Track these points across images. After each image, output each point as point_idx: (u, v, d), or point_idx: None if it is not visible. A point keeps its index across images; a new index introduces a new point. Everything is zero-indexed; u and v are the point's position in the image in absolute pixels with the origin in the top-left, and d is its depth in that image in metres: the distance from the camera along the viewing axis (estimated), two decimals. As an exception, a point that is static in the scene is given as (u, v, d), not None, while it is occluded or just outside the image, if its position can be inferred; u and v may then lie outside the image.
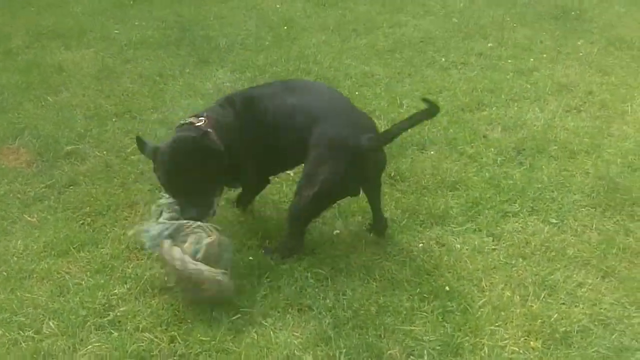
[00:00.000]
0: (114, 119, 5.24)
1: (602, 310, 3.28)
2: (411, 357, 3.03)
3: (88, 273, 3.65)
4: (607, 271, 3.54)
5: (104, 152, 4.83)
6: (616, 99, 5.53)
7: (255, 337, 3.17)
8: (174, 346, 3.14)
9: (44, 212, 4.22)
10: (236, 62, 6.40)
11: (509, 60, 6.38)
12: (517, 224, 3.98)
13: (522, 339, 3.11)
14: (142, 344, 3.15)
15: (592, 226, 3.93)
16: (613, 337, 3.11)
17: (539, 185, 4.34)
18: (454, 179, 4.41)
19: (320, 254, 3.71)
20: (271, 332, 3.20)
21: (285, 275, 3.55)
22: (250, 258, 3.68)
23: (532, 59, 6.40)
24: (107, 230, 4.02)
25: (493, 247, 3.77)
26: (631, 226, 3.91)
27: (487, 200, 4.18)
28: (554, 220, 3.99)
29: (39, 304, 3.44)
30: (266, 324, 3.26)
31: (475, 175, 4.47)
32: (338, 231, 3.91)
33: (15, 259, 3.80)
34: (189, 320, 3.29)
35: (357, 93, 5.59)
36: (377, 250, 3.76)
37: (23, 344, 3.18)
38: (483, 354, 3.01)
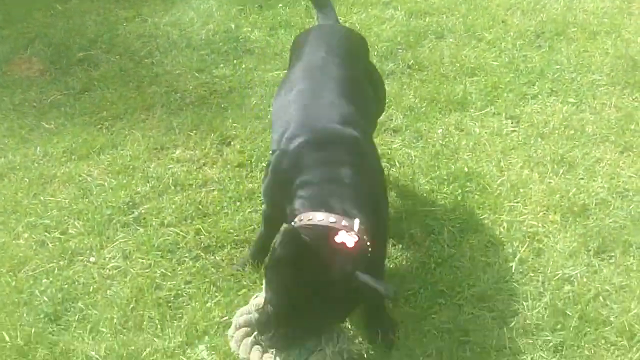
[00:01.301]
0: (124, 24, 5.17)
1: (620, 183, 3.29)
2: (432, 235, 3.07)
3: (110, 174, 3.70)
4: (626, 146, 3.54)
5: (117, 57, 4.80)
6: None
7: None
8: (200, 239, 3.20)
9: (61, 119, 4.24)
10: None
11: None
12: (536, 105, 3.96)
13: (540, 213, 3.14)
14: (168, 238, 3.21)
15: (611, 104, 3.90)
16: (630, 207, 3.14)
17: (558, 67, 4.29)
18: (472, 65, 4.37)
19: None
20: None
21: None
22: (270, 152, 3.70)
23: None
24: (126, 132, 4.05)
25: (512, 129, 3.77)
26: (650, 102, 3.88)
27: (506, 84, 4.15)
28: (572, 100, 3.97)
29: (63, 206, 3.50)
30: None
31: (494, 60, 4.42)
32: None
33: (36, 165, 3.85)
34: (213, 214, 3.34)
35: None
36: (395, 139, 3.77)
37: (50, 245, 3.26)
38: (502, 229, 3.05)
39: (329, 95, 2.79)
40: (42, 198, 3.57)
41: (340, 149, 2.57)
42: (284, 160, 2.63)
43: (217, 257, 3.08)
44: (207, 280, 2.96)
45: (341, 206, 2.41)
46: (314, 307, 2.25)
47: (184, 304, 2.87)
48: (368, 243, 2.37)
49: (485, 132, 3.74)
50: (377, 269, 2.54)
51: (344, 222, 2.34)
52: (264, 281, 2.41)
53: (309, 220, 2.38)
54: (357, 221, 2.37)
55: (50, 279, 3.05)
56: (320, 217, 2.37)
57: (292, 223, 2.40)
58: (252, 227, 3.23)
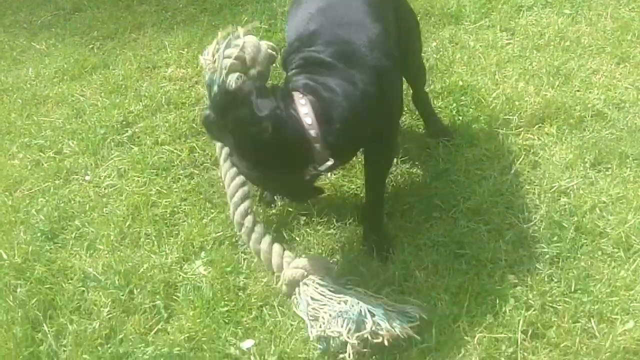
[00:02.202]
0: (114, -59, 5.06)
1: (616, 94, 3.27)
2: (427, 150, 3.06)
3: (102, 94, 3.68)
4: (622, 57, 3.50)
5: (107, -24, 4.71)
6: None
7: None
8: (194, 156, 3.19)
9: (52, 39, 4.19)
10: None
11: None
12: (531, 17, 3.91)
13: (536, 126, 3.12)
14: (162, 156, 3.20)
15: (607, 14, 3.85)
16: (627, 119, 3.12)
17: (554, -22, 4.21)
18: (467, -22, 4.28)
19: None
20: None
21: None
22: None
23: None
24: (117, 52, 4.01)
25: (507, 41, 3.72)
26: (647, 12, 3.82)
27: (500, -4, 4.09)
28: (568, 11, 3.91)
29: (56, 126, 3.49)
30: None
31: (488, -28, 4.34)
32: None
33: (28, 85, 3.83)
34: (206, 132, 3.32)
35: None
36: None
37: (45, 164, 3.26)
38: (497, 143, 3.03)
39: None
40: (35, 118, 3.56)
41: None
42: None
43: (211, 174, 3.08)
44: (202, 197, 2.96)
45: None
46: None
47: (180, 220, 2.88)
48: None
49: (480, 45, 3.70)
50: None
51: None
52: None
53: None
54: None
55: (46, 198, 3.06)
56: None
57: None
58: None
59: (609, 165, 2.90)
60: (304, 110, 2.29)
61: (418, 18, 3.71)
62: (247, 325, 2.43)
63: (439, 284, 2.48)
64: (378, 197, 2.69)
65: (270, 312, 2.47)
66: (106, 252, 2.76)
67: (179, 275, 2.63)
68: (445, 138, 3.07)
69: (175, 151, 3.22)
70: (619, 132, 3.05)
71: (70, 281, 2.66)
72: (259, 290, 2.55)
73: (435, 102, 3.29)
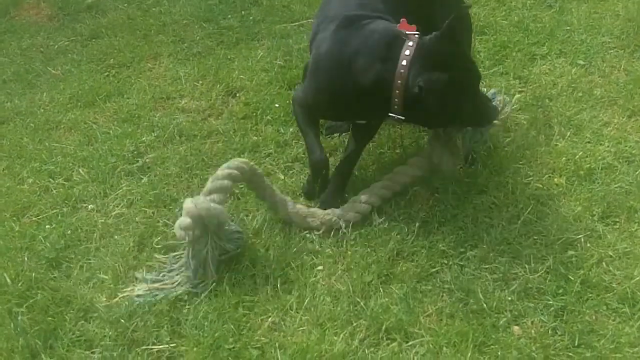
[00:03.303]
0: (133, -29, 5.13)
1: (627, 147, 3.27)
2: (435, 195, 3.06)
3: (115, 122, 3.70)
4: (634, 110, 3.51)
5: (125, 5, 4.79)
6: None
7: (284, 179, 3.25)
8: (203, 189, 3.18)
9: (68, 65, 4.24)
10: None
11: None
12: (544, 66, 3.92)
13: (546, 176, 3.13)
14: (171, 188, 3.22)
15: (620, 67, 3.86)
16: (637, 173, 3.11)
17: (568, 28, 4.24)
18: (482, 23, 4.31)
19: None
20: (300, 175, 3.27)
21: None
22: (276, 105, 3.70)
23: None
24: (132, 81, 4.05)
25: (520, 89, 3.73)
26: (660, 66, 3.84)
27: (515, 44, 4.11)
28: (581, 62, 3.92)
29: (67, 152, 3.51)
30: (295, 167, 3.32)
31: (503, 19, 4.38)
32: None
33: (42, 110, 3.86)
34: (217, 165, 3.30)
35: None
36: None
37: (54, 191, 3.28)
38: (507, 191, 3.03)
39: None
40: (47, 144, 3.58)
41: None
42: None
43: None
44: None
45: None
46: None
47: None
48: None
49: (493, 92, 3.71)
50: None
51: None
52: None
53: None
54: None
55: (54, 225, 3.07)
56: None
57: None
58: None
59: (617, 219, 2.90)
60: None
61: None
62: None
63: (442, 332, 2.47)
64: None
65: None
66: (111, 282, 2.75)
67: (185, 309, 2.62)
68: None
69: (185, 183, 3.23)
70: (628, 185, 3.05)
71: (72, 311, 2.64)
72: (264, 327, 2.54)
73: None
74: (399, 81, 2.66)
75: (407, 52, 2.66)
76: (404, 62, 2.65)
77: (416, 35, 2.72)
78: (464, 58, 2.78)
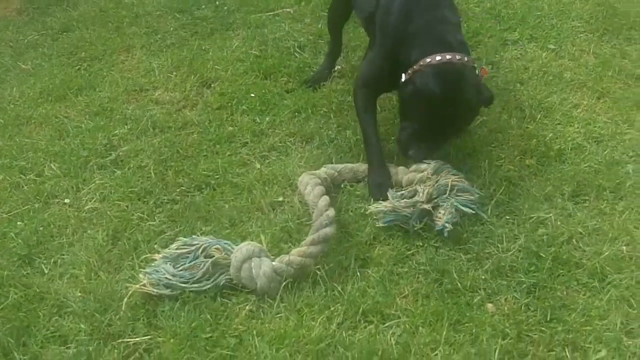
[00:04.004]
0: (104, -37, 5.10)
1: (596, 128, 3.32)
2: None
3: (87, 116, 3.68)
4: (602, 92, 3.56)
5: (97, -4, 4.75)
6: None
7: (260, 169, 3.23)
8: (178, 181, 3.19)
9: (38, 59, 4.21)
10: None
11: None
12: (516, 51, 3.97)
13: (517, 157, 3.16)
14: (145, 181, 3.20)
15: (590, 50, 3.91)
16: (605, 152, 3.16)
17: (539, 13, 4.30)
18: (454, 10, 4.36)
19: (322, 89, 3.74)
20: (276, 164, 3.27)
21: (287, 110, 3.58)
22: (252, 95, 3.71)
23: None
24: (104, 74, 4.03)
25: (492, 74, 3.76)
26: (627, 49, 3.89)
27: (487, 30, 4.17)
28: (552, 46, 3.98)
29: (39, 148, 3.48)
30: (271, 156, 3.32)
31: (476, 6, 4.45)
32: (339, 67, 3.90)
33: (12, 106, 3.83)
34: (192, 157, 3.34)
35: None
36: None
37: (25, 187, 3.24)
38: (480, 173, 3.06)
39: None
40: (17, 140, 3.56)
41: None
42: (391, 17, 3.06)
43: (196, 200, 3.08)
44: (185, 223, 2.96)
45: (455, 40, 2.97)
46: (452, 123, 2.94)
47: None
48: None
49: (466, 78, 3.74)
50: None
51: (458, 57, 2.88)
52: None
53: (433, 60, 2.87)
54: (468, 58, 2.92)
55: (25, 221, 3.04)
56: (439, 58, 2.87)
57: (414, 67, 2.91)
58: (233, 170, 3.23)
59: (587, 198, 2.94)
60: None
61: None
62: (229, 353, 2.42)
63: (419, 312, 2.50)
64: None
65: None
66: (84, 278, 2.73)
67: (161, 300, 2.61)
68: None
69: (159, 175, 3.22)
70: (597, 165, 3.09)
71: (46, 307, 2.61)
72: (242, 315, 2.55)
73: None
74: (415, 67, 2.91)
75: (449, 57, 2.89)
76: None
77: (466, 59, 2.92)
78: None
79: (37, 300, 2.65)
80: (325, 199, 2.82)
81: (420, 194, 2.82)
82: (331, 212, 2.76)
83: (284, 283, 2.59)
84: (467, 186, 2.88)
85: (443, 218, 2.76)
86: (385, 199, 2.88)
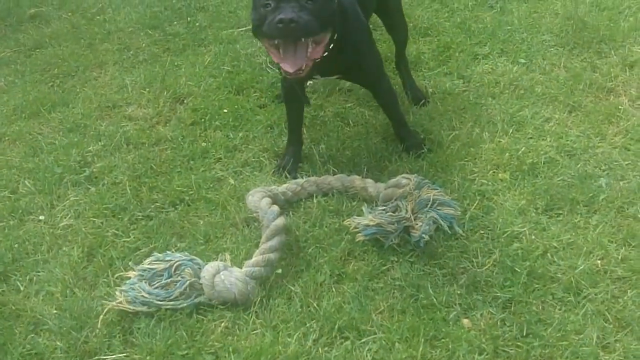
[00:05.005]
0: (75, -21, 5.10)
1: (568, 142, 3.34)
2: (384, 194, 3.09)
3: (61, 132, 3.68)
4: (574, 106, 3.59)
5: (69, 14, 4.76)
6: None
7: (234, 184, 3.23)
8: (153, 197, 3.19)
9: (11, 76, 4.20)
10: None
11: None
12: (487, 65, 4.00)
13: (490, 171, 3.18)
14: (120, 197, 3.20)
15: (560, 64, 3.95)
16: (578, 166, 3.19)
17: (509, 28, 4.33)
18: (425, 25, 4.41)
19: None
20: (250, 179, 3.27)
21: (260, 125, 3.59)
22: (225, 110, 3.71)
23: None
24: (78, 90, 4.03)
25: (463, 88, 3.80)
26: (598, 63, 3.93)
27: (458, 44, 4.20)
28: (523, 61, 4.01)
29: (12, 165, 3.47)
30: (245, 172, 3.32)
31: (446, 20, 4.48)
32: (311, 82, 3.91)
33: (-15, 123, 3.80)
34: (166, 173, 3.34)
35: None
36: (349, 98, 3.80)
37: (0, 204, 3.23)
38: (453, 188, 3.08)
39: None
40: (-10, 157, 3.53)
41: None
42: None
43: (170, 216, 3.07)
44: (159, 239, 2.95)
45: None
46: None
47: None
48: None
49: (438, 92, 3.77)
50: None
51: None
52: None
53: None
54: None
55: (0, 238, 3.02)
56: None
57: None
58: (207, 186, 3.23)
59: (560, 212, 2.96)
60: None
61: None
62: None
63: (395, 328, 2.50)
64: (398, 116, 3.38)
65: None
66: (59, 295, 2.71)
67: (136, 317, 2.60)
68: (422, 102, 3.66)
69: (133, 192, 3.21)
70: (570, 178, 3.12)
71: (22, 325, 2.60)
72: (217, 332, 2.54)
73: (396, 147, 3.35)
74: None
75: None
76: None
77: None
78: None
79: (13, 317, 2.64)
80: (266, 200, 2.88)
81: (404, 211, 2.84)
82: (275, 207, 2.83)
83: (257, 297, 2.61)
84: (448, 200, 2.90)
85: (420, 230, 2.77)
86: None
